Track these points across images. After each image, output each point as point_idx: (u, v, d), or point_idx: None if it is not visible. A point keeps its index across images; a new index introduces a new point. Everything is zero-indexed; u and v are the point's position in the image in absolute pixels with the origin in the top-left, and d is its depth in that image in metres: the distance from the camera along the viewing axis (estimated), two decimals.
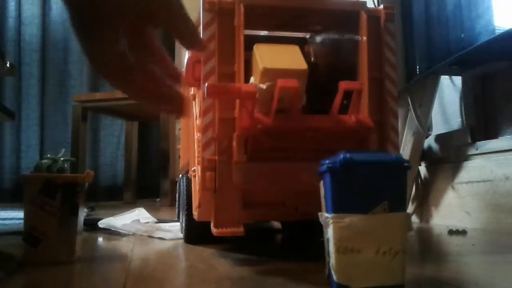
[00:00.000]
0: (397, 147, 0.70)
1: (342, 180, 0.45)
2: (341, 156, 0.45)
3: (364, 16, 0.68)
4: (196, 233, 0.83)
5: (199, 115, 0.68)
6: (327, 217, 0.46)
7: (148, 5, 0.43)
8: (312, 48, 0.86)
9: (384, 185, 0.45)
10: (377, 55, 0.70)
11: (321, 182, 0.49)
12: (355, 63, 0.69)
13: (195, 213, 0.73)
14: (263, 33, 0.83)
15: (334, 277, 0.45)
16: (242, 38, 0.65)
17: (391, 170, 0.46)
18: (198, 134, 0.67)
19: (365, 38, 0.67)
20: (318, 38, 0.84)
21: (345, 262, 0.44)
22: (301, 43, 0.86)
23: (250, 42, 0.65)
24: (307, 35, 0.86)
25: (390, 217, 0.45)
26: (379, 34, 0.71)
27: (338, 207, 0.45)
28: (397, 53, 0.78)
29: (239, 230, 0.64)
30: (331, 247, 0.45)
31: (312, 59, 0.84)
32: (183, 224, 0.87)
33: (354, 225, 0.44)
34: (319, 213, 0.49)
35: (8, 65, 1.82)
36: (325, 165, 0.46)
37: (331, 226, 0.45)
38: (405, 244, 0.46)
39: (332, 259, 0.45)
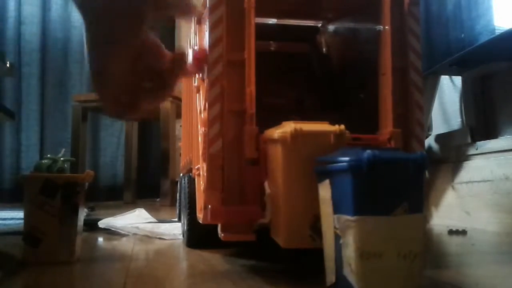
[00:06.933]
0: (422, 143, 0.64)
1: (366, 179, 0.41)
2: (368, 153, 0.41)
3: (387, 0, 0.63)
4: (199, 237, 0.78)
5: (204, 108, 0.64)
6: (347, 220, 0.42)
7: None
8: (324, 38, 0.81)
9: (406, 185, 0.43)
10: (401, 42, 0.64)
11: (326, 182, 0.45)
12: (374, 53, 0.64)
13: (199, 215, 0.67)
14: (272, 21, 0.79)
15: (355, 286, 0.42)
16: (253, 22, 0.59)
17: (414, 169, 0.43)
18: (203, 129, 0.62)
19: (388, 24, 0.62)
20: (331, 27, 0.80)
21: (368, 267, 0.41)
22: (312, 32, 0.82)
23: (259, 30, 0.60)
24: (319, 24, 0.82)
25: (410, 218, 0.42)
26: (403, 19, 0.65)
27: (360, 209, 0.41)
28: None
29: (250, 235, 0.57)
30: (352, 252, 0.42)
31: (324, 50, 0.80)
32: (185, 227, 0.83)
33: (378, 228, 0.41)
34: (335, 216, 0.44)
35: (8, 65, 1.82)
36: (346, 163, 0.42)
37: (352, 230, 0.42)
38: (422, 246, 0.44)
39: (353, 265, 0.42)
